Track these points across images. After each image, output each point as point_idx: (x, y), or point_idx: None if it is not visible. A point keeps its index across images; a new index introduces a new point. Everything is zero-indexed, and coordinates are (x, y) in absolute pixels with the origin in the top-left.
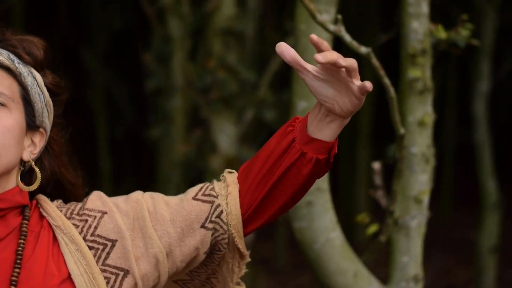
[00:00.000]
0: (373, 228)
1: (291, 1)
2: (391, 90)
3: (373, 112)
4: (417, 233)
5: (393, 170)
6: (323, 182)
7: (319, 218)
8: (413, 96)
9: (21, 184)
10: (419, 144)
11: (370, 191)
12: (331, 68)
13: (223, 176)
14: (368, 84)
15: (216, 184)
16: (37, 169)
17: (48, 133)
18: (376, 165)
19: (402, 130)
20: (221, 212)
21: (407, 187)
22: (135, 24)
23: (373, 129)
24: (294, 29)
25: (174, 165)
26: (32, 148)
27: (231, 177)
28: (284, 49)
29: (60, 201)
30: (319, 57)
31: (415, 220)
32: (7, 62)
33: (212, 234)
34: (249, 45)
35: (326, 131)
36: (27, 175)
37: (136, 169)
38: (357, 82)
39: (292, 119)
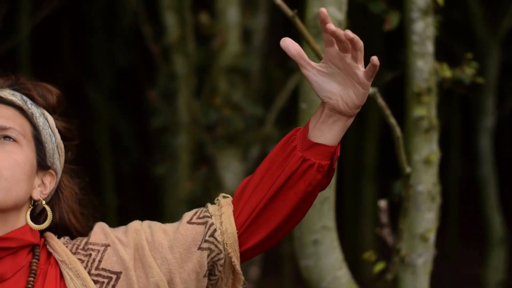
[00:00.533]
0: (379, 266)
1: (296, 39)
2: (397, 130)
3: (378, 148)
4: (423, 271)
5: (399, 208)
6: (329, 221)
7: (326, 256)
8: (419, 135)
9: (31, 223)
10: (425, 182)
11: (376, 229)
12: (337, 56)
13: (217, 199)
14: (375, 58)
15: (210, 206)
16: (48, 208)
17: (59, 176)
18: (382, 203)
19: (408, 169)
20: (215, 230)
21: (413, 225)
22: (140, 61)
23: (379, 165)
24: (300, 68)
25: (179, 202)
26: (42, 188)
27: (225, 200)
28: (289, 43)
29: (67, 237)
30: (332, 26)
31: (421, 258)
32: (19, 103)
33: (208, 255)
34: (254, 82)
35: (328, 134)
36: (37, 216)
37: (142, 205)
38: (362, 68)
39: (293, 131)
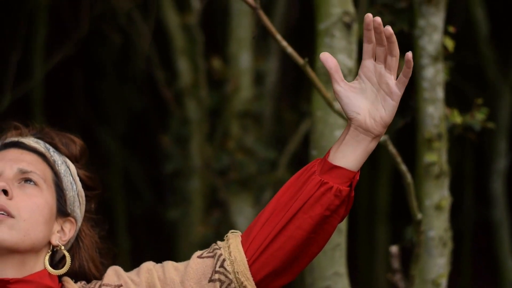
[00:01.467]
0: None
1: (307, 83)
2: (408, 177)
3: (390, 193)
4: None
5: (411, 253)
6: (341, 267)
7: None
8: (430, 180)
9: (49, 268)
10: (436, 228)
11: (388, 275)
12: (372, 68)
13: (226, 236)
14: (409, 54)
15: (218, 242)
16: (67, 254)
17: (79, 224)
18: (394, 249)
19: (419, 216)
20: (224, 260)
21: (425, 271)
22: (152, 106)
23: (391, 209)
24: (310, 114)
25: (192, 246)
26: (61, 235)
27: (232, 233)
28: (328, 56)
29: (83, 282)
30: (378, 18)
31: None
32: (42, 150)
33: (220, 287)
34: (267, 126)
35: (350, 156)
36: (57, 263)
37: (155, 250)
38: (394, 78)
39: (313, 161)
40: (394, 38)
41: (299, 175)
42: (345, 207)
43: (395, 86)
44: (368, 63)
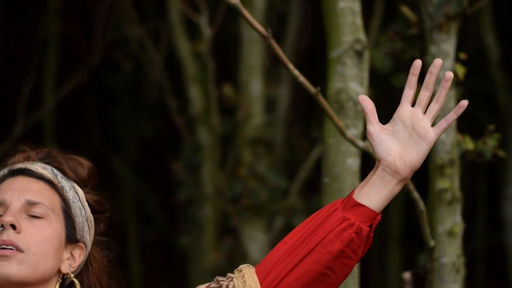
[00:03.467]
0: None
1: (318, 109)
2: (421, 204)
3: (403, 219)
4: None
5: (424, 279)
6: None
7: None
8: (442, 207)
9: None
10: (449, 254)
11: None
12: (409, 113)
13: (237, 269)
14: (465, 102)
15: (228, 274)
16: (76, 281)
17: (89, 249)
18: (407, 276)
19: (432, 243)
20: None
21: None
22: (164, 133)
23: (404, 234)
24: (322, 142)
25: (204, 273)
26: (71, 261)
27: (243, 265)
28: (365, 98)
29: None
30: (440, 61)
31: None
32: (50, 176)
33: None
34: (278, 153)
35: (374, 197)
36: None
37: (167, 277)
38: (430, 122)
39: (335, 201)
40: (449, 84)
41: (320, 211)
42: (363, 247)
43: (431, 131)
44: (405, 107)
